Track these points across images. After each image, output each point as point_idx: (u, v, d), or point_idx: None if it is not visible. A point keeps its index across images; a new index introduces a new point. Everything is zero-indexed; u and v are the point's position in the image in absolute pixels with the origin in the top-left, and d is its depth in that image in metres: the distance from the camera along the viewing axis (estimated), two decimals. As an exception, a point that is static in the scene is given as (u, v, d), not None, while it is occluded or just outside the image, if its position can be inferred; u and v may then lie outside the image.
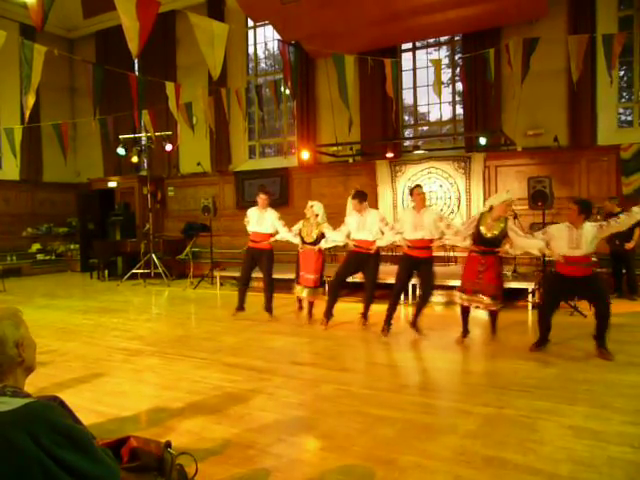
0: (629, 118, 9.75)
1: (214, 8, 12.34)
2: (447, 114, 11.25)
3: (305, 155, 10.59)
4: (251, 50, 13.17)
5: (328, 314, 6.44)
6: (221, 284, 10.20)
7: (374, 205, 10.70)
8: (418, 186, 6.03)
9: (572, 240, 4.95)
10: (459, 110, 10.93)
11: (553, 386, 4.10)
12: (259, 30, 13.01)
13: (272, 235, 6.89)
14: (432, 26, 9.82)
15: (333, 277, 6.56)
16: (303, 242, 6.77)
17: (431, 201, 10.35)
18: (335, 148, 10.52)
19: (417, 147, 10.20)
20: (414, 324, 5.87)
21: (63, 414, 1.56)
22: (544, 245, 5.19)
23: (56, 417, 1.49)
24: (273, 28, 11.07)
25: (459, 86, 10.93)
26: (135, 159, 11.81)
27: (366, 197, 6.37)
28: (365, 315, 6.46)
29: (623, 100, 9.81)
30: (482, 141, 9.09)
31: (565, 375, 4.37)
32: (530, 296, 7.49)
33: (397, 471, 2.78)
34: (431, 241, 5.77)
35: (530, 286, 7.53)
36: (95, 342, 5.92)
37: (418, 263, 5.81)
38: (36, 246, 13.97)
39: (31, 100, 5.87)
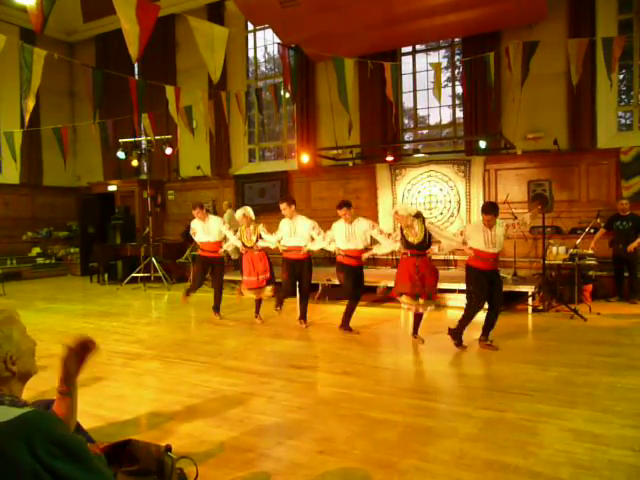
0: (629, 122, 9.77)
1: (214, 12, 12.37)
2: (447, 117, 11.27)
3: (305, 158, 10.60)
4: (251, 54, 13.21)
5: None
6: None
7: (374, 209, 10.73)
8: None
9: (489, 240, 5.37)
10: (459, 113, 10.95)
11: (554, 389, 4.09)
12: (259, 34, 13.05)
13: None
14: (432, 29, 9.84)
15: (284, 288, 6.81)
16: (244, 246, 6.92)
17: (431, 204, 10.38)
18: (335, 151, 10.53)
19: (417, 150, 10.21)
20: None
21: (60, 424, 1.55)
22: (460, 242, 5.62)
23: (53, 428, 1.48)
24: (273, 31, 11.10)
25: (459, 89, 10.96)
26: (135, 163, 11.82)
27: (293, 202, 6.58)
28: (303, 317, 6.71)
29: (622, 104, 9.83)
30: (482, 144, 9.09)
31: (566, 378, 4.36)
32: (530, 299, 7.49)
33: (397, 474, 2.77)
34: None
35: (530, 289, 7.52)
36: (95, 346, 5.91)
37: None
38: (36, 250, 13.98)
39: (31, 104, 5.88)
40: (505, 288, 7.63)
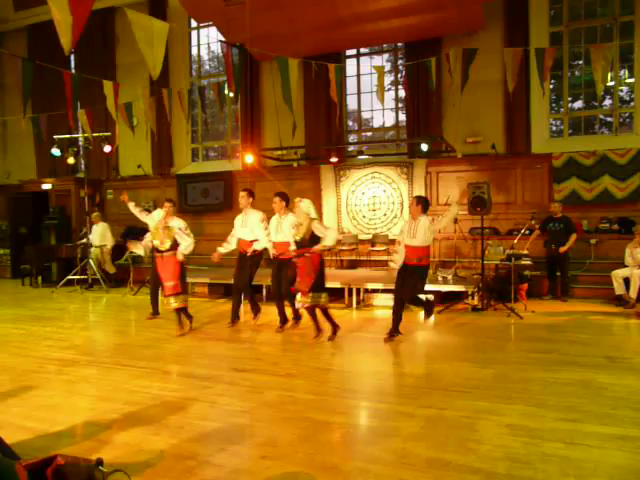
0: (559, 129, 10.28)
1: (156, 6, 12.02)
2: (390, 120, 11.46)
3: (249, 159, 10.47)
4: (194, 51, 12.93)
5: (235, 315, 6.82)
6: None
7: (318, 210, 10.74)
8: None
9: (410, 230, 5.65)
10: (402, 116, 11.16)
11: (492, 386, 4.22)
12: (203, 31, 12.80)
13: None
14: (376, 33, 9.98)
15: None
16: (157, 251, 6.39)
17: (375, 206, 10.52)
18: (279, 152, 10.48)
19: (361, 152, 10.32)
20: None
21: None
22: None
23: None
24: (217, 29, 10.92)
25: (402, 93, 11.16)
26: (71, 160, 11.28)
27: (253, 194, 6.74)
28: (233, 314, 6.81)
29: (554, 111, 10.33)
30: (424, 147, 9.29)
31: (503, 375, 4.51)
32: (469, 299, 7.71)
33: (341, 476, 2.76)
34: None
35: (469, 289, 7.75)
36: (25, 353, 5.59)
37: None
38: (-40, 251, 13.11)
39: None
40: (445, 288, 7.90)
